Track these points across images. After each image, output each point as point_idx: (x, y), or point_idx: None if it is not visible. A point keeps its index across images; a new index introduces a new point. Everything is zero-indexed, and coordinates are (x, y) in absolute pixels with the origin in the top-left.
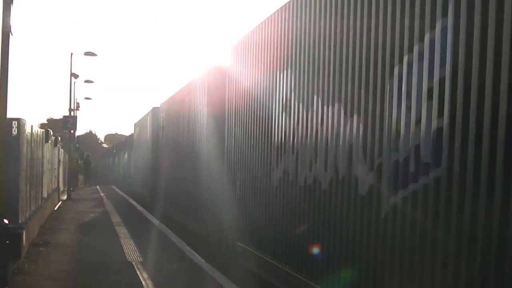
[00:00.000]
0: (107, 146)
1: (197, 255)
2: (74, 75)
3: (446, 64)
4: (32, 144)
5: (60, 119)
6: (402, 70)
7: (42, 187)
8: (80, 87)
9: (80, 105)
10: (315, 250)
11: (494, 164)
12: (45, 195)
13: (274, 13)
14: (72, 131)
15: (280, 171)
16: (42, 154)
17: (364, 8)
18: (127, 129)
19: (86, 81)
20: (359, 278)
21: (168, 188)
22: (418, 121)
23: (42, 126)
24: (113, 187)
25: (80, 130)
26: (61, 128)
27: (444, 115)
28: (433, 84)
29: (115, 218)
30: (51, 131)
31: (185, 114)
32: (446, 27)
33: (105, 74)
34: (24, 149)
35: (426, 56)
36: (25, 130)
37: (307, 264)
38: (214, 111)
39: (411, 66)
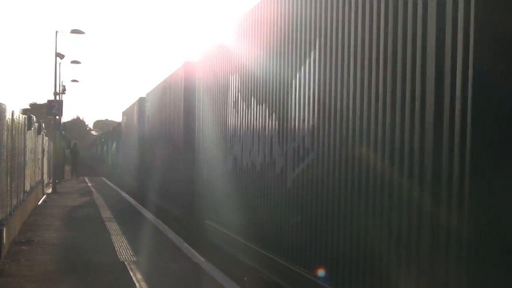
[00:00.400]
0: (96, 133)
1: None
2: (59, 55)
3: (315, 84)
4: (13, 132)
5: (44, 104)
6: (296, 83)
7: (24, 179)
8: (66, 68)
9: (66, 88)
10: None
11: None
12: (27, 188)
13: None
14: (57, 117)
15: (232, 157)
16: (24, 143)
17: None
18: (117, 115)
19: (73, 62)
20: (276, 235)
21: (153, 177)
22: (303, 120)
23: (24, 112)
24: (103, 178)
25: (66, 116)
26: (46, 114)
27: (315, 117)
28: (310, 96)
29: (106, 213)
30: (34, 117)
31: (166, 106)
32: (314, 60)
33: (93, 55)
34: (4, 138)
35: (306, 76)
36: (5, 116)
37: (257, 234)
38: (189, 105)
39: (301, 81)
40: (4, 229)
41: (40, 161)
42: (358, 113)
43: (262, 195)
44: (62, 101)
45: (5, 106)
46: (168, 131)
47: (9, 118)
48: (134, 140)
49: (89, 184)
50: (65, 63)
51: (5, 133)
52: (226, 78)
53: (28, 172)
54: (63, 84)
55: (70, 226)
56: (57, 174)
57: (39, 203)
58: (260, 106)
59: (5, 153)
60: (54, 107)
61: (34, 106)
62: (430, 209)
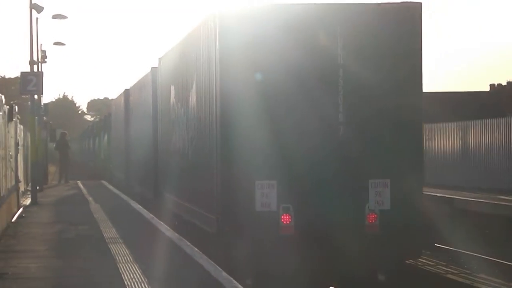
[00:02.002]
0: (92, 118)
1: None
2: (35, 8)
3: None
4: None
5: (16, 78)
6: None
7: None
8: (47, 26)
9: (47, 55)
10: None
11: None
12: None
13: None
14: (36, 96)
15: (175, 141)
16: None
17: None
18: (116, 92)
19: (56, 17)
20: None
21: (134, 166)
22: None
23: None
24: (104, 182)
25: (49, 95)
26: (19, 91)
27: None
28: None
29: (108, 231)
30: (2, 96)
31: (143, 102)
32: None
33: (83, 9)
34: None
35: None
36: None
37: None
38: (154, 100)
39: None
40: None
41: (13, 160)
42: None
43: (180, 170)
44: (42, 73)
45: None
46: (143, 126)
47: None
48: (121, 135)
49: (84, 191)
50: (45, 18)
51: None
52: (168, 87)
53: None
54: (43, 49)
55: (58, 251)
56: (37, 177)
57: (13, 220)
58: (184, 103)
59: None
60: (30, 82)
61: (1, 81)
62: None
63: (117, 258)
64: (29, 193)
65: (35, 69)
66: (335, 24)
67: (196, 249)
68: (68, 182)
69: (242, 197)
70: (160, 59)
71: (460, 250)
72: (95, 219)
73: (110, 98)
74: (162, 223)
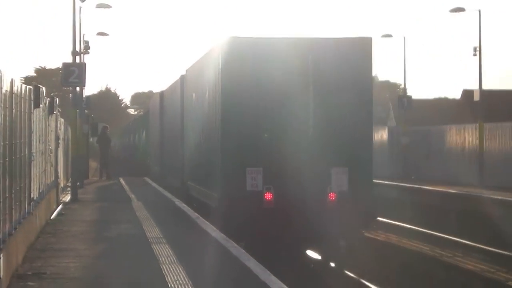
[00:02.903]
0: (135, 112)
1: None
2: None
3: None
4: (13, 111)
5: (57, 69)
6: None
7: (30, 182)
8: (90, 16)
9: (90, 45)
10: None
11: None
12: (35, 195)
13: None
14: (78, 89)
15: (194, 138)
16: (30, 128)
17: None
18: (161, 85)
19: (100, 6)
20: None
21: (167, 159)
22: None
23: (27, 80)
24: (147, 179)
25: (91, 87)
26: (60, 83)
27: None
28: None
29: (152, 230)
30: (43, 88)
31: (173, 104)
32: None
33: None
34: None
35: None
36: (0, 88)
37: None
38: (181, 104)
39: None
40: (1, 256)
41: (53, 155)
42: None
43: (197, 161)
44: (84, 64)
45: (0, 73)
46: (176, 125)
47: (6, 90)
48: (157, 134)
49: (126, 188)
50: (88, 7)
51: (0, 112)
52: (191, 94)
53: (35, 171)
54: (86, 39)
55: (99, 251)
56: (78, 173)
57: (52, 217)
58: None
59: (0, 143)
60: (72, 73)
61: (42, 72)
62: None
63: (160, 259)
64: (69, 189)
65: (77, 60)
66: (308, 53)
67: (243, 250)
68: (110, 179)
69: (236, 180)
70: (187, 70)
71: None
72: (137, 217)
73: (154, 91)
74: (208, 223)
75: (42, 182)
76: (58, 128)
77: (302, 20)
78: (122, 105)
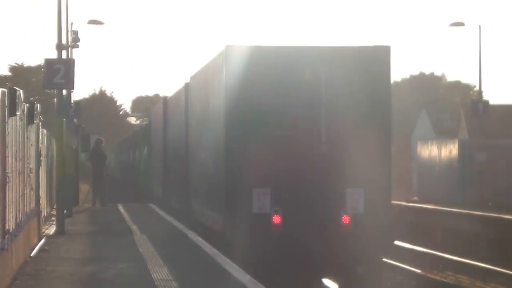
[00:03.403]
0: (137, 121)
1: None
2: None
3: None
4: None
5: (38, 67)
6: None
7: (3, 209)
8: (80, 1)
9: (80, 37)
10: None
11: None
12: (10, 226)
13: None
14: (65, 92)
15: (199, 155)
16: (3, 142)
17: None
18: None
19: None
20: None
21: (171, 179)
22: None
23: (0, 81)
24: (152, 206)
25: (81, 90)
26: (42, 85)
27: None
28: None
29: (158, 271)
30: (20, 91)
31: (177, 115)
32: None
33: None
34: None
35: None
36: None
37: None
38: (186, 115)
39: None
40: None
41: (33, 176)
42: None
43: (204, 182)
44: (72, 60)
45: None
46: (182, 139)
47: None
48: (159, 147)
49: (126, 216)
50: None
51: None
52: (196, 105)
53: (11, 196)
54: (74, 29)
55: None
56: (65, 199)
57: (33, 254)
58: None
59: None
60: (57, 72)
61: (18, 71)
62: None
63: None
64: (53, 219)
65: (63, 56)
66: (319, 63)
67: None
68: (105, 205)
69: (242, 202)
70: (191, 77)
71: None
72: (140, 254)
73: (161, 95)
74: (229, 261)
75: (19, 210)
76: (40, 142)
77: (314, 27)
78: (121, 113)
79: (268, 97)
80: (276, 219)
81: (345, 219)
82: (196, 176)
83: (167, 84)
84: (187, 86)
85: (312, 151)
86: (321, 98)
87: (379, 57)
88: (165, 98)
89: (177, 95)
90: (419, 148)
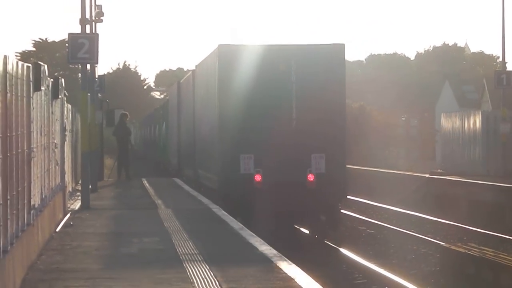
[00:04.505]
0: (161, 95)
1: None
2: None
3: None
4: (7, 95)
5: (62, 42)
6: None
7: (29, 185)
8: None
9: (104, 11)
10: None
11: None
12: (36, 201)
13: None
14: (89, 66)
15: (201, 130)
16: (28, 117)
17: None
18: (192, 61)
19: None
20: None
21: (183, 151)
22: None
23: (24, 56)
24: (177, 181)
25: (105, 64)
26: (66, 60)
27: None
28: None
29: (184, 245)
30: (45, 66)
31: (187, 97)
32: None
33: None
34: None
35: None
36: None
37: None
38: (193, 98)
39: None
40: None
41: (58, 151)
42: None
43: (204, 151)
44: (97, 35)
45: None
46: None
47: None
48: (176, 124)
49: (151, 191)
50: None
51: None
52: (200, 89)
53: (36, 171)
54: (98, 3)
55: (116, 272)
56: (90, 173)
57: (58, 229)
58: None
59: None
60: (81, 47)
61: (42, 46)
62: None
63: (195, 281)
64: (78, 194)
65: (87, 31)
66: (291, 58)
67: (293, 264)
68: (130, 180)
69: (232, 165)
70: (196, 66)
71: None
72: (165, 228)
73: (185, 69)
74: (254, 235)
75: (44, 186)
76: (65, 117)
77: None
78: (145, 87)
79: (252, 84)
80: (258, 177)
81: (310, 177)
82: (200, 147)
83: (190, 57)
84: (194, 72)
85: (285, 125)
86: (292, 84)
87: (335, 52)
88: (178, 82)
89: (186, 80)
90: (443, 120)
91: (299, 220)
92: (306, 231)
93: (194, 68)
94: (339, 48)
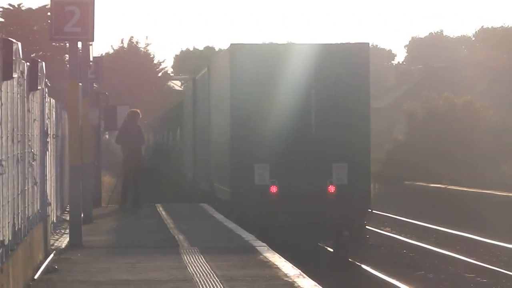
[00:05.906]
0: (181, 86)
1: None
2: None
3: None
4: None
5: (42, 9)
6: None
7: None
8: None
9: None
10: None
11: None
12: (5, 236)
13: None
14: (80, 45)
15: (216, 137)
16: None
17: None
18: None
19: None
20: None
21: (199, 162)
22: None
23: None
24: (206, 206)
25: (104, 42)
26: (48, 36)
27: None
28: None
29: None
30: (18, 44)
31: (202, 98)
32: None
33: None
34: None
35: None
36: None
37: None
38: (208, 99)
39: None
40: None
41: (37, 164)
42: None
43: (219, 162)
44: (92, 0)
45: None
46: (206, 122)
47: None
48: (190, 127)
49: (168, 221)
50: None
51: None
52: (213, 89)
53: (6, 193)
54: None
55: None
56: (82, 197)
57: (36, 276)
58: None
59: None
60: (70, 16)
61: (14, 15)
62: None
63: None
64: (66, 225)
65: None
66: (310, 58)
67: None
68: (139, 206)
69: (245, 175)
70: (210, 62)
71: None
72: (190, 275)
73: (217, 48)
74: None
75: (18, 214)
76: (46, 117)
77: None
78: (160, 74)
79: (267, 88)
80: (273, 189)
81: (331, 188)
82: (215, 157)
83: (222, 31)
84: (209, 69)
85: (303, 132)
86: (310, 88)
87: (359, 52)
88: (193, 78)
89: (202, 77)
90: None
91: (319, 235)
92: (330, 249)
93: (229, 45)
94: (364, 48)
